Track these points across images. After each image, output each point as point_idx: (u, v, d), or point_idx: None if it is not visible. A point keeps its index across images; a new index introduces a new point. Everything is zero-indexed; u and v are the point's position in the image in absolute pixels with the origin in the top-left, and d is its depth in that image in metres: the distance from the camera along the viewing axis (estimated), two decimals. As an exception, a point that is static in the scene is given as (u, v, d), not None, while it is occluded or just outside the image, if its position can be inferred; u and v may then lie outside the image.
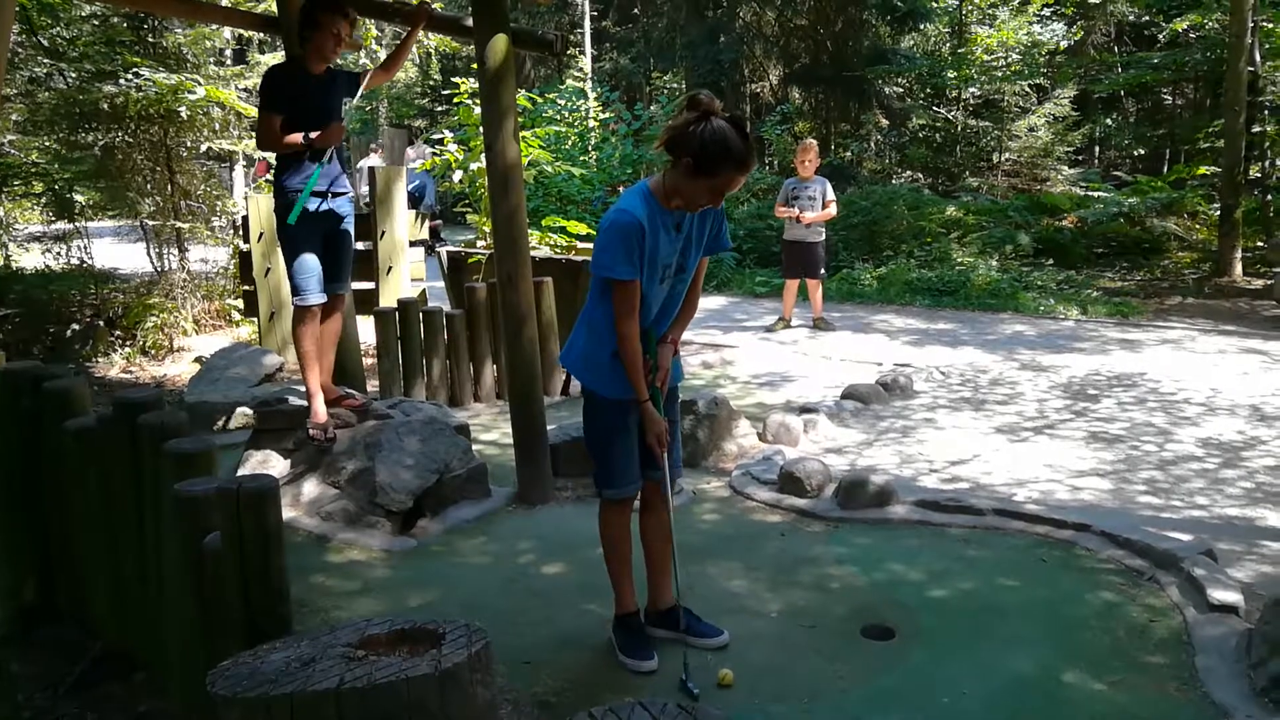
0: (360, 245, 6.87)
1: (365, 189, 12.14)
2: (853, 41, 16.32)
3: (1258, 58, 11.65)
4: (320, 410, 4.27)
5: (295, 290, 4.26)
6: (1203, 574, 3.31)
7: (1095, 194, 14.03)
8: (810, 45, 17.05)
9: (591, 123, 15.86)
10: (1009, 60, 14.73)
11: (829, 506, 4.24)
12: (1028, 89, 15.27)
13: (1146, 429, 5.64)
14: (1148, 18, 16.59)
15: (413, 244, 8.18)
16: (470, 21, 4.45)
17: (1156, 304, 10.44)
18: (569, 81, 17.97)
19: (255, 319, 7.74)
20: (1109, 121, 17.88)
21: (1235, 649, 2.91)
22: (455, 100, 9.14)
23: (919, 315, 9.78)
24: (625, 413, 2.90)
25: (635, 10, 20.92)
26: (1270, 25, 11.99)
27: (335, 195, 4.28)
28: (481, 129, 4.75)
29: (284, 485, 4.07)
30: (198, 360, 7.55)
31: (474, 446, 4.64)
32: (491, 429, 5.64)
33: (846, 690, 2.79)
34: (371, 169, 8.55)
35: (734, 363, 7.52)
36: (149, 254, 9.27)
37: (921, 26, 16.57)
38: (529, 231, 5.19)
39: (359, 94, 4.54)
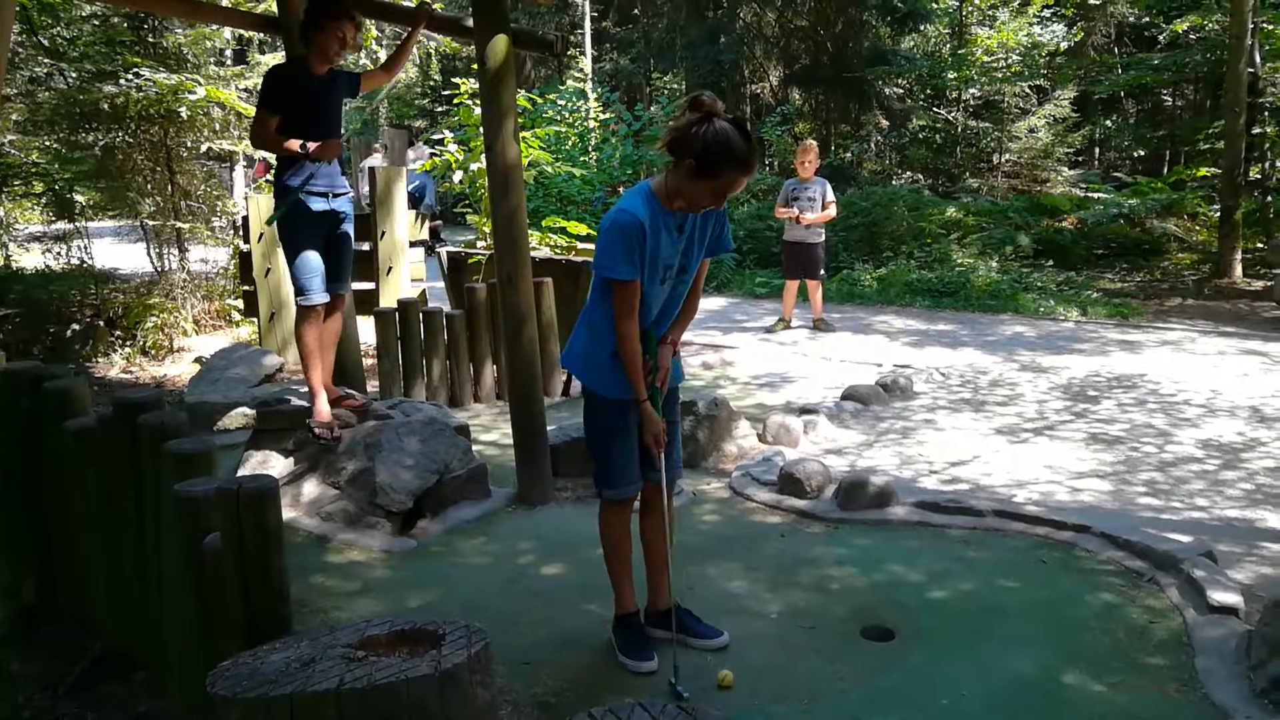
0: (360, 245, 6.88)
1: (365, 189, 12.16)
2: (853, 42, 16.32)
3: (1258, 59, 11.64)
4: (324, 409, 4.28)
5: (298, 289, 4.27)
6: (1203, 575, 3.31)
7: (1095, 195, 14.02)
8: (810, 46, 17.06)
9: (592, 123, 15.86)
10: (1009, 61, 14.73)
11: (829, 507, 4.24)
12: (1028, 90, 15.28)
13: (1146, 430, 5.64)
14: (1148, 19, 16.60)
15: (413, 244, 8.19)
16: (470, 22, 4.46)
17: (1156, 305, 10.44)
18: (569, 82, 17.96)
19: (255, 319, 7.74)
20: (1109, 123, 17.89)
21: (1235, 650, 2.91)
22: (455, 101, 9.14)
23: (919, 316, 9.78)
24: (625, 413, 2.90)
25: (635, 11, 20.92)
26: (1270, 26, 11.98)
27: (336, 195, 4.30)
28: (481, 129, 4.75)
29: (284, 486, 4.07)
30: (198, 360, 7.55)
31: (474, 447, 4.64)
32: (491, 429, 5.64)
33: (846, 691, 2.80)
34: (372, 169, 8.55)
35: (734, 363, 7.52)
36: (149, 254, 9.27)
37: (921, 27, 16.56)
38: (529, 232, 5.19)
39: (359, 93, 4.55)
